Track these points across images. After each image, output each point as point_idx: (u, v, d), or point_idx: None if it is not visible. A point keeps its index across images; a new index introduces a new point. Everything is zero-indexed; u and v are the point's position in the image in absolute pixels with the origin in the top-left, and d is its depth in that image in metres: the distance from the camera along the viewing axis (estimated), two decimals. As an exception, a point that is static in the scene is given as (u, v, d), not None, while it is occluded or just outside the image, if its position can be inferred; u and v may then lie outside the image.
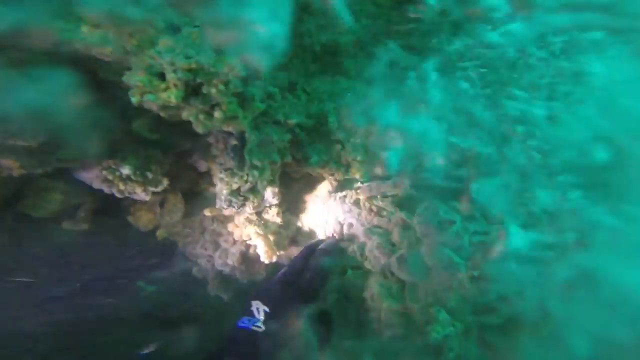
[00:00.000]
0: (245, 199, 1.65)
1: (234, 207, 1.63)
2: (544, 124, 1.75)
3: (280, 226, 2.24)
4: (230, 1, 1.18)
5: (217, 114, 1.21)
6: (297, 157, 1.92)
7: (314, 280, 1.57)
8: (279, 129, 1.63)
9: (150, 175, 1.52)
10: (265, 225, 2.28)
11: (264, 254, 2.07)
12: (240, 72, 1.29)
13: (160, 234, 2.17)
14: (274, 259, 2.12)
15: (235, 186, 1.59)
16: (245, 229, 2.22)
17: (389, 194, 1.81)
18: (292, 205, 2.31)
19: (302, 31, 1.72)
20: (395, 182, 1.79)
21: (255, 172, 1.59)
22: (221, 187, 1.59)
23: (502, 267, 1.46)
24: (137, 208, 2.04)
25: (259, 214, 2.24)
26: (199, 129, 1.30)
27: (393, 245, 1.75)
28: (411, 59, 2.05)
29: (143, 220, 2.07)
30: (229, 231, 2.16)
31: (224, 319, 2.20)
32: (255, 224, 2.25)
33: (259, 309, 1.40)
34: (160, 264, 2.38)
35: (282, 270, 1.63)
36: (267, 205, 2.15)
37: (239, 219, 2.21)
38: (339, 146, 1.88)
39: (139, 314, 2.86)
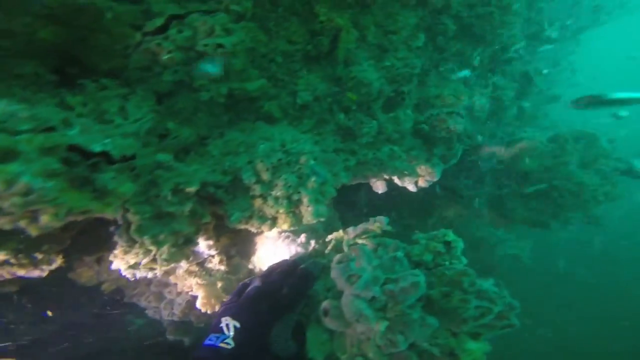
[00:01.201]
0: (150, 269, 1.55)
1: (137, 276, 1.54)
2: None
3: (226, 272, 2.15)
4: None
5: (44, 217, 1.06)
6: (220, 213, 1.78)
7: (292, 296, 1.48)
8: (176, 198, 1.49)
9: (40, 256, 1.45)
10: (208, 274, 2.19)
11: (202, 305, 1.99)
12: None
13: (106, 287, 2.15)
14: (216, 308, 2.04)
15: (131, 262, 1.49)
16: (186, 281, 2.15)
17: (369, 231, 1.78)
18: (241, 248, 2.20)
19: (195, 86, 1.54)
20: (375, 220, 1.79)
21: (151, 247, 1.48)
22: (117, 264, 1.49)
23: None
24: (78, 265, 2.02)
25: (200, 264, 2.15)
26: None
27: (328, 290, 1.65)
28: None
29: (84, 277, 2.06)
30: (172, 282, 2.10)
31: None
32: (196, 275, 2.16)
33: (229, 325, 1.30)
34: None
35: (254, 284, 1.52)
36: (205, 256, 2.06)
37: (179, 272, 2.14)
38: (259, 200, 1.72)
39: (131, 347, 2.93)
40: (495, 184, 4.86)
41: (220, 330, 1.27)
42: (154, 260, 1.54)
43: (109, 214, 1.26)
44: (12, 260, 1.37)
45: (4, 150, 0.94)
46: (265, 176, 1.68)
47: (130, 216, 1.39)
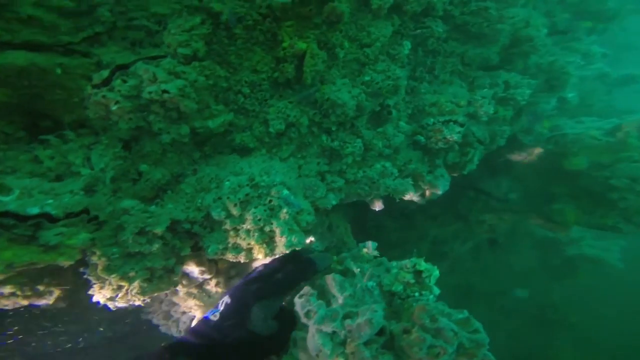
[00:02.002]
0: (128, 301, 1.63)
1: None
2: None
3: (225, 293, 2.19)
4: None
5: None
6: (200, 246, 1.81)
7: (282, 282, 1.59)
8: (144, 239, 1.53)
9: (41, 287, 1.59)
10: (207, 295, 2.24)
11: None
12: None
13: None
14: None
15: (107, 296, 1.57)
16: (187, 302, 2.21)
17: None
18: (241, 269, 2.23)
19: (154, 130, 1.57)
20: (364, 246, 1.86)
21: (122, 283, 1.54)
22: (96, 297, 1.59)
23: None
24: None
25: (199, 286, 2.21)
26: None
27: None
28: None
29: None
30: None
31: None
32: (195, 297, 2.22)
33: (223, 302, 1.48)
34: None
35: (259, 268, 1.69)
36: (201, 280, 2.10)
37: (180, 294, 2.21)
38: (232, 233, 1.71)
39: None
40: (537, 184, 4.39)
41: (217, 306, 1.46)
42: (131, 292, 1.61)
43: (64, 262, 1.34)
44: (18, 293, 1.52)
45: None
46: (235, 211, 1.66)
47: (96, 258, 1.46)
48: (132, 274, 1.56)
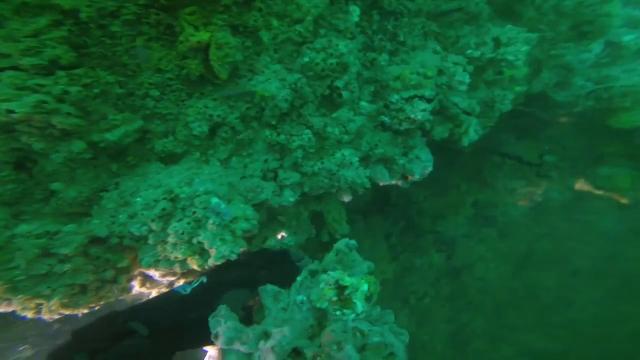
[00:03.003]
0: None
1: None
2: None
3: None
4: None
5: None
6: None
7: (264, 280, 1.52)
8: (53, 260, 1.46)
9: None
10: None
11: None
12: None
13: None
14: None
15: (29, 313, 1.55)
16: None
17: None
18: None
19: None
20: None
21: (38, 301, 1.50)
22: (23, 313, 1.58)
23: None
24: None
25: (170, 285, 2.13)
26: None
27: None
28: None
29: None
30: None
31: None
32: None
33: (199, 280, 1.49)
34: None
35: (246, 254, 1.67)
36: (166, 282, 2.02)
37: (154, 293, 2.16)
38: (159, 247, 1.57)
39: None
40: (579, 144, 3.70)
41: (191, 282, 1.48)
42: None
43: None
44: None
45: None
46: (155, 226, 1.50)
47: None
48: (47, 292, 1.49)
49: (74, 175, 1.55)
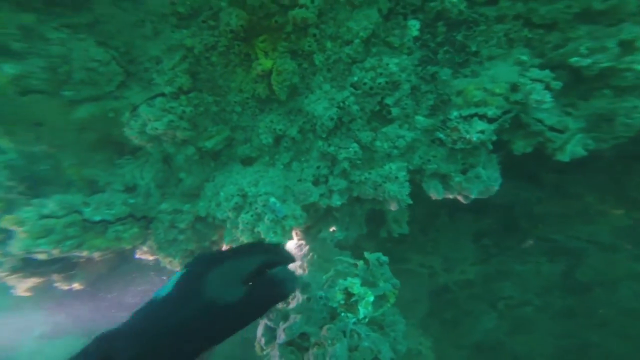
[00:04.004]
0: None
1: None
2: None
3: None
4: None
5: (85, 252, 1.98)
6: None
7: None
8: (176, 230, 2.14)
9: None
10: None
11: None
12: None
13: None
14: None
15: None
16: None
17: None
18: None
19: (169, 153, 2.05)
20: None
21: (169, 259, 2.20)
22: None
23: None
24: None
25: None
26: None
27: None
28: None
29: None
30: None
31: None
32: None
33: (174, 276, 1.03)
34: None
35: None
36: None
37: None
38: (233, 230, 2.08)
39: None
40: None
41: (165, 284, 1.06)
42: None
43: (126, 247, 2.06)
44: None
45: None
46: (231, 215, 2.00)
47: (148, 245, 2.16)
48: (173, 253, 2.19)
49: (190, 169, 2.16)
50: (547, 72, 1.70)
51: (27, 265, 2.23)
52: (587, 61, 1.73)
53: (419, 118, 1.89)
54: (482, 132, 1.70)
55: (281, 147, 2.07)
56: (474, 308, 3.89)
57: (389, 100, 1.82)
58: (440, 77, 1.82)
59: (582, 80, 1.84)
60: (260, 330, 1.77)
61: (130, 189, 2.19)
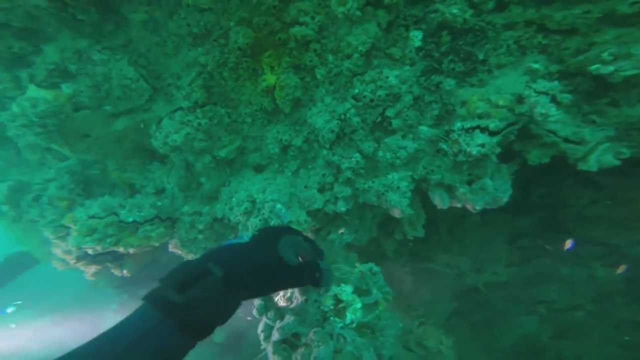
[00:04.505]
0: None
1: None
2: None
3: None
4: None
5: (121, 248, 2.25)
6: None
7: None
8: (195, 230, 2.35)
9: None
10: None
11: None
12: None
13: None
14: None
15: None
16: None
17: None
18: None
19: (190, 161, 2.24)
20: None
21: (190, 256, 2.42)
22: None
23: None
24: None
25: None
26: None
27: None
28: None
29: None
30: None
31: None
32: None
33: (251, 230, 1.61)
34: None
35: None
36: None
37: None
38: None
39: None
40: None
41: (241, 237, 1.28)
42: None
43: (155, 244, 2.31)
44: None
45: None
46: (242, 218, 2.15)
47: (174, 242, 2.40)
48: (194, 250, 2.41)
49: (209, 174, 2.34)
50: (555, 83, 1.58)
51: (87, 255, 2.59)
52: (609, 69, 1.58)
53: (423, 128, 1.86)
54: (482, 145, 1.64)
55: (289, 156, 2.16)
56: (509, 310, 3.72)
57: (389, 112, 1.82)
58: (444, 87, 1.77)
59: (611, 86, 1.68)
60: (260, 327, 1.90)
61: (160, 191, 2.44)
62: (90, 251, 2.31)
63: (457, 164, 1.89)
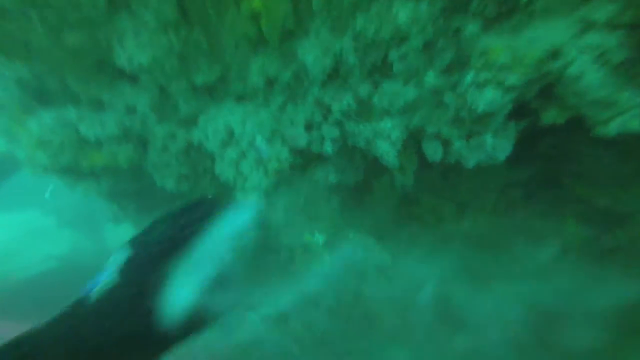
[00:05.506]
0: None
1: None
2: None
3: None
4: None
5: None
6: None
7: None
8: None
9: None
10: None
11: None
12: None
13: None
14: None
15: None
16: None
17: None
18: None
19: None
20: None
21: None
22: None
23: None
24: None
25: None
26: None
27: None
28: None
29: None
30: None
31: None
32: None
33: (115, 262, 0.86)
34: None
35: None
36: None
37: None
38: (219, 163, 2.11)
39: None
40: None
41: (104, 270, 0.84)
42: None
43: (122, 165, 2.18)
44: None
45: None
46: (217, 149, 2.00)
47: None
48: (167, 175, 2.30)
49: (186, 98, 2.09)
50: (610, 38, 1.31)
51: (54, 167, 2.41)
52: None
53: (428, 77, 1.61)
54: (491, 102, 1.44)
55: (275, 90, 1.91)
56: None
57: (392, 55, 1.54)
58: (465, 33, 1.47)
59: None
60: None
61: (131, 110, 2.20)
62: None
63: (458, 118, 1.71)
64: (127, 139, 2.14)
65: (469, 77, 1.51)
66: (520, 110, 1.72)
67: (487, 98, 1.44)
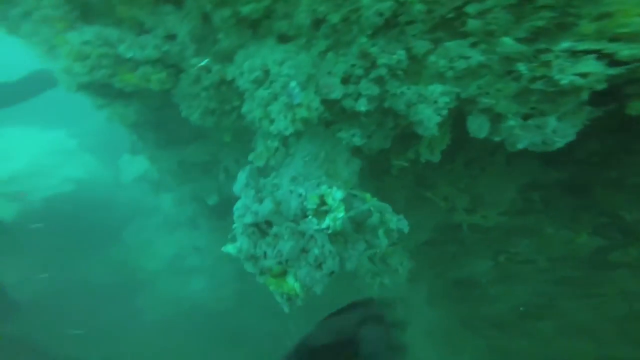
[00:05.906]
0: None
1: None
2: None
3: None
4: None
5: None
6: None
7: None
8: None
9: None
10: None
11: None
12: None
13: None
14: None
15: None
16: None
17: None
18: None
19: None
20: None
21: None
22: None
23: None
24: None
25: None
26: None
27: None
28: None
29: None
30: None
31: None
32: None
33: None
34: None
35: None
36: None
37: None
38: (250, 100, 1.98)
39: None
40: None
41: None
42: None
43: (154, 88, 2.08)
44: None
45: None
46: (250, 87, 1.85)
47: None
48: (194, 106, 2.20)
49: (228, 32, 1.91)
50: None
51: (90, 84, 2.34)
52: None
53: (507, 40, 1.40)
54: (584, 75, 1.21)
55: (320, 33, 1.69)
56: (475, 252, 3.69)
57: (470, 9, 1.33)
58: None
59: None
60: (237, 204, 1.84)
61: (171, 37, 2.06)
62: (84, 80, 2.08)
63: (524, 92, 1.50)
64: (162, 64, 2.01)
65: (565, 44, 1.29)
66: (599, 96, 1.50)
67: (579, 70, 1.18)
